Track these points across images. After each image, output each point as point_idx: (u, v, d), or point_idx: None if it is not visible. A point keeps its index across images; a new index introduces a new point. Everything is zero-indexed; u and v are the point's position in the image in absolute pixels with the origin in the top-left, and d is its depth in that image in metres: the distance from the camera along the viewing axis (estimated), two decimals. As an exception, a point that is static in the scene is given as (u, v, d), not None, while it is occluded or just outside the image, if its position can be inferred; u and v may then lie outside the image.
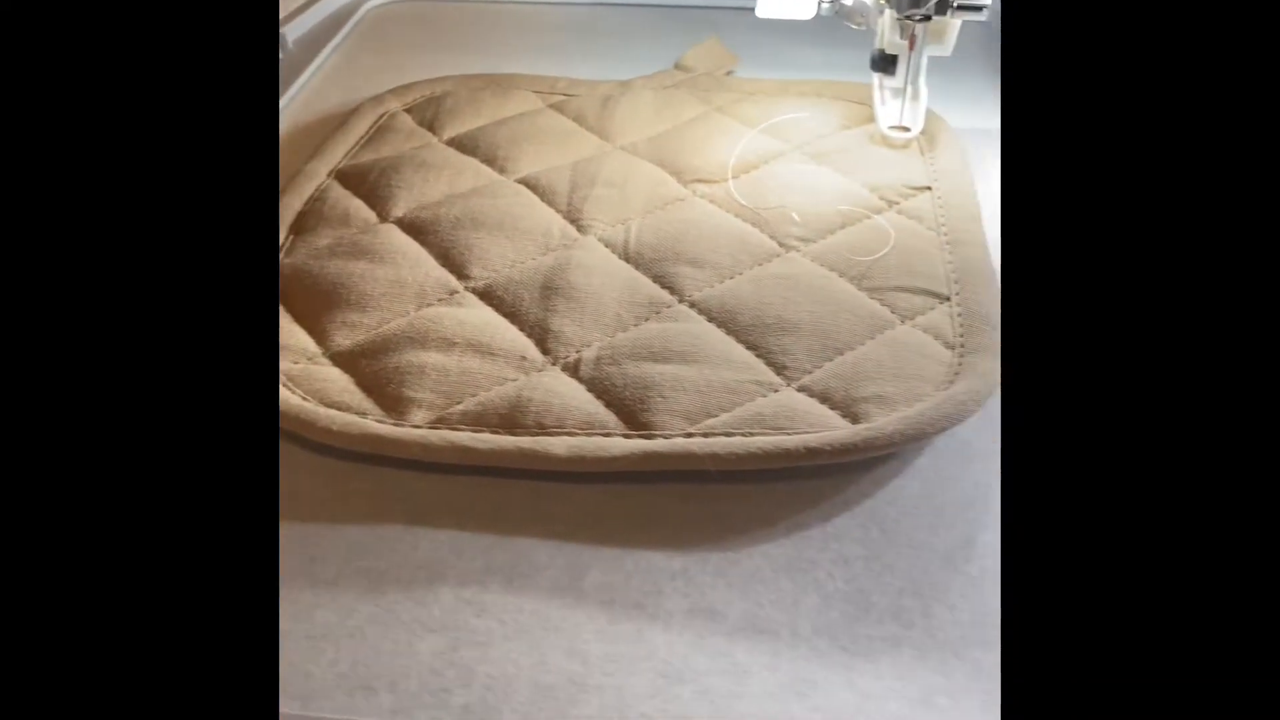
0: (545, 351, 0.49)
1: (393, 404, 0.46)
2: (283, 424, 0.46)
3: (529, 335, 0.50)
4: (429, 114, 0.69)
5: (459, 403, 0.46)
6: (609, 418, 0.45)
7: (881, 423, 0.44)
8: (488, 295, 0.53)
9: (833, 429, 0.44)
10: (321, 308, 0.52)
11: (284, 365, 0.49)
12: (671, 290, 0.53)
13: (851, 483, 0.45)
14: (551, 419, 0.45)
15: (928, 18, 0.60)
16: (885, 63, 0.64)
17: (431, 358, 0.48)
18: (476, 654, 0.38)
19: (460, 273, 0.54)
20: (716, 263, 0.54)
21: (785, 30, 0.77)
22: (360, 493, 0.44)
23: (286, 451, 0.46)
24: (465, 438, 0.44)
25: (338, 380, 0.48)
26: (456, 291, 0.53)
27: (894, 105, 0.66)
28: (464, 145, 0.66)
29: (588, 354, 0.49)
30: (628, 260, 0.55)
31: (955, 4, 0.59)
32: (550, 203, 0.59)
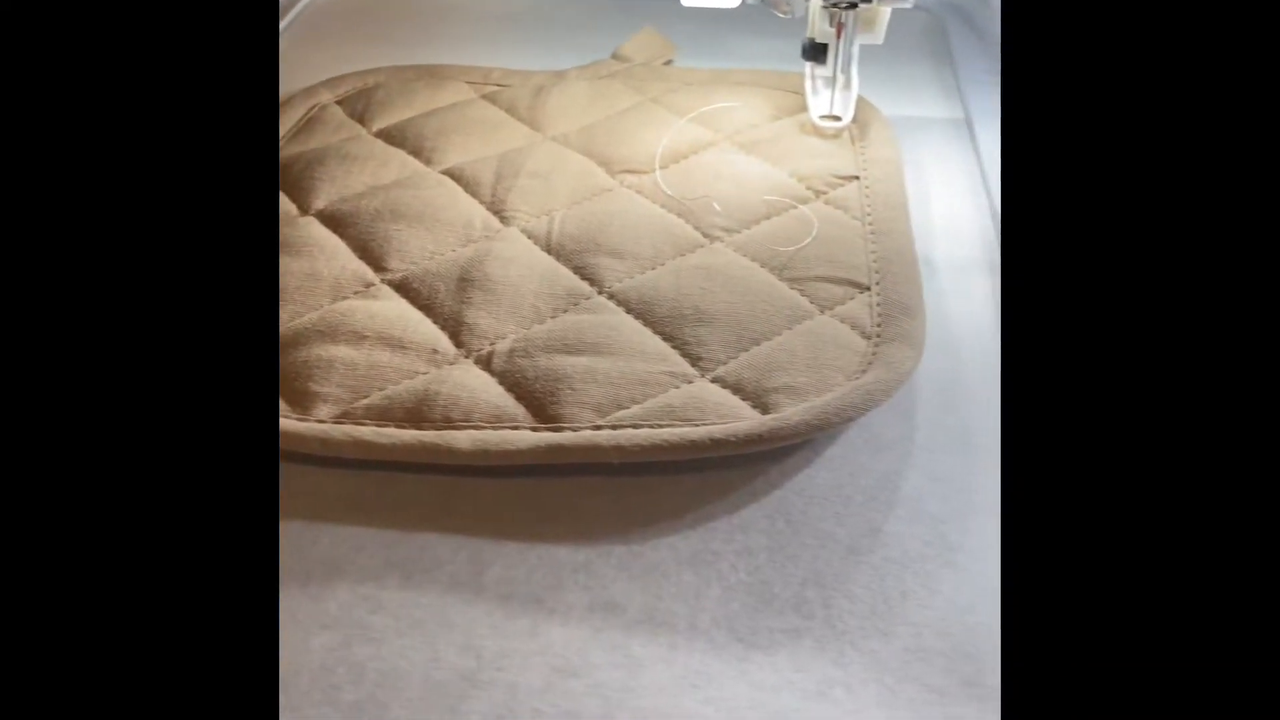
0: (458, 344, 0.49)
1: (298, 399, 0.46)
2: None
3: (442, 328, 0.49)
4: (360, 106, 0.69)
5: (365, 397, 0.46)
6: (518, 410, 0.45)
7: (788, 413, 0.44)
8: (403, 288, 0.52)
9: (742, 420, 0.44)
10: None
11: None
12: (591, 281, 0.52)
13: (761, 473, 0.44)
14: (459, 413, 0.45)
15: (854, 5, 0.60)
16: (816, 51, 0.64)
17: (341, 351, 0.48)
18: (369, 651, 0.38)
19: (378, 265, 0.53)
20: (638, 253, 0.54)
21: (726, 19, 0.76)
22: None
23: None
24: (368, 432, 0.44)
25: (246, 375, 0.47)
26: (373, 284, 0.52)
27: (826, 94, 0.65)
28: (392, 137, 0.65)
29: (501, 346, 0.48)
30: (549, 251, 0.54)
31: (880, -8, 0.59)
32: (474, 194, 0.59)
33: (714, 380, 0.47)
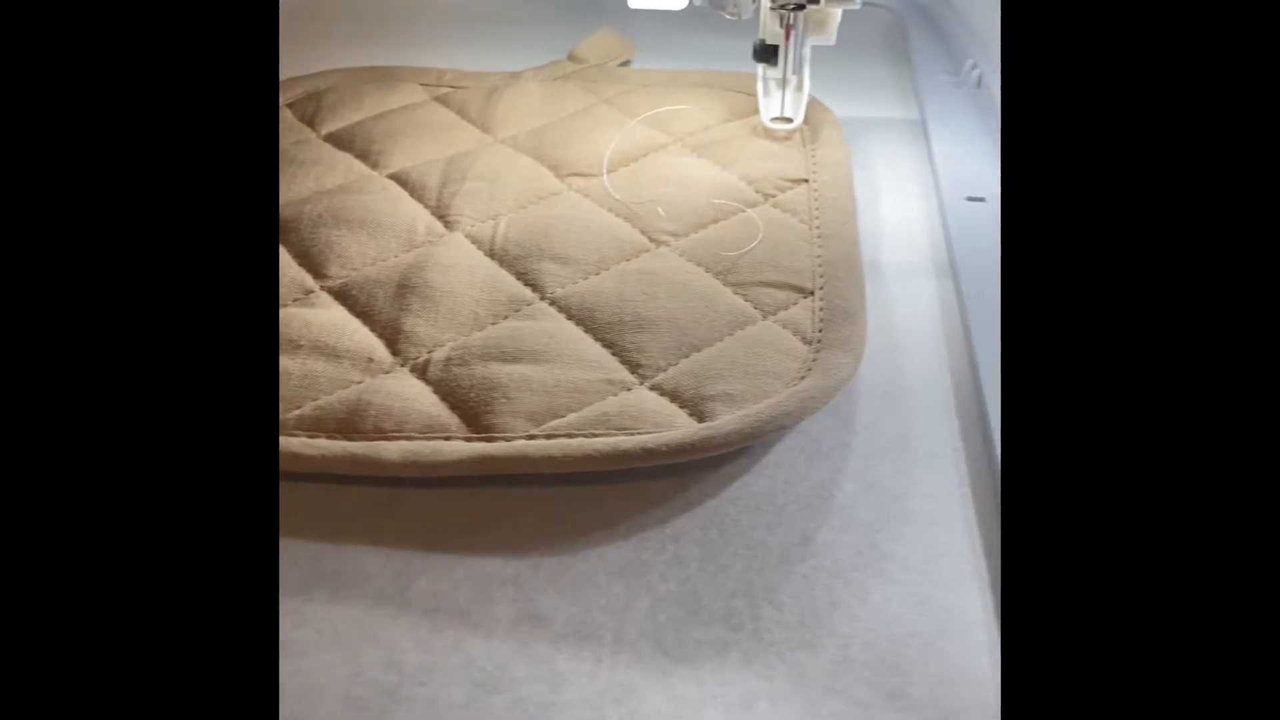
0: (395, 353, 0.48)
1: (230, 409, 0.45)
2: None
3: (380, 336, 0.49)
4: (310, 109, 0.68)
5: (298, 407, 0.45)
6: (451, 420, 0.45)
7: (720, 421, 0.43)
8: (342, 295, 0.51)
9: (677, 428, 0.44)
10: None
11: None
12: (534, 287, 0.52)
13: (696, 482, 0.44)
14: (391, 423, 0.44)
15: (801, 7, 0.59)
16: (767, 53, 0.63)
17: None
18: (291, 666, 0.37)
19: (318, 272, 0.53)
20: (582, 259, 0.53)
21: (688, 19, 0.76)
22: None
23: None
24: (297, 444, 0.43)
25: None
26: (312, 291, 0.52)
27: (778, 96, 0.65)
28: (340, 140, 0.64)
29: (438, 355, 0.48)
30: (493, 257, 0.54)
31: (828, -7, 0.58)
32: (420, 198, 0.58)
33: (652, 388, 0.46)
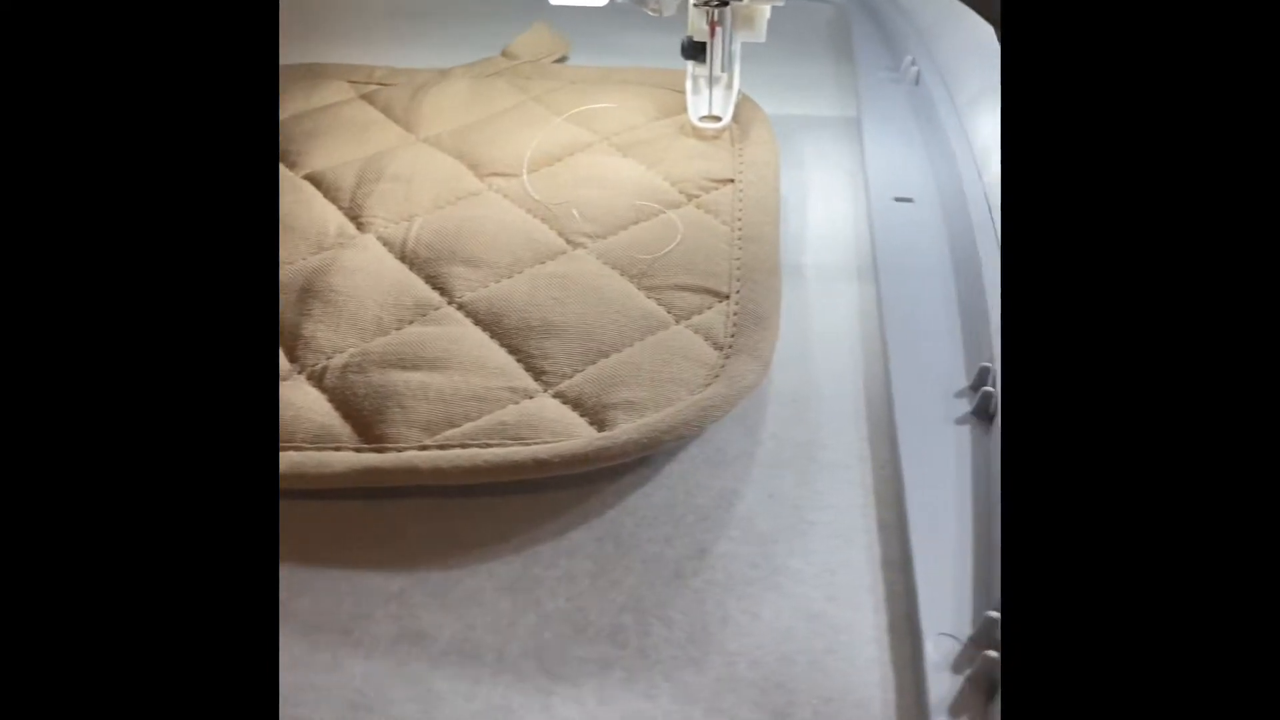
0: (293, 359, 0.47)
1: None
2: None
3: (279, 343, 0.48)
4: (232, 106, 0.66)
5: (186, 417, 0.44)
6: (343, 430, 0.43)
7: (617, 431, 0.42)
8: (244, 300, 0.50)
9: (575, 438, 0.42)
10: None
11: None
12: (442, 291, 0.51)
13: (595, 493, 0.43)
14: (281, 433, 0.43)
15: (725, 3, 0.58)
16: (694, 50, 0.62)
17: (166, 368, 0.46)
18: (158, 688, 0.36)
19: (222, 276, 0.51)
20: (494, 262, 0.52)
21: (625, 15, 0.75)
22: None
23: None
24: (180, 455, 0.42)
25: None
26: (214, 296, 0.50)
27: (707, 95, 0.64)
28: (259, 139, 0.63)
29: (336, 361, 0.46)
30: (403, 259, 0.53)
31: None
32: (334, 199, 0.57)
33: (555, 395, 0.45)
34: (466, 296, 0.50)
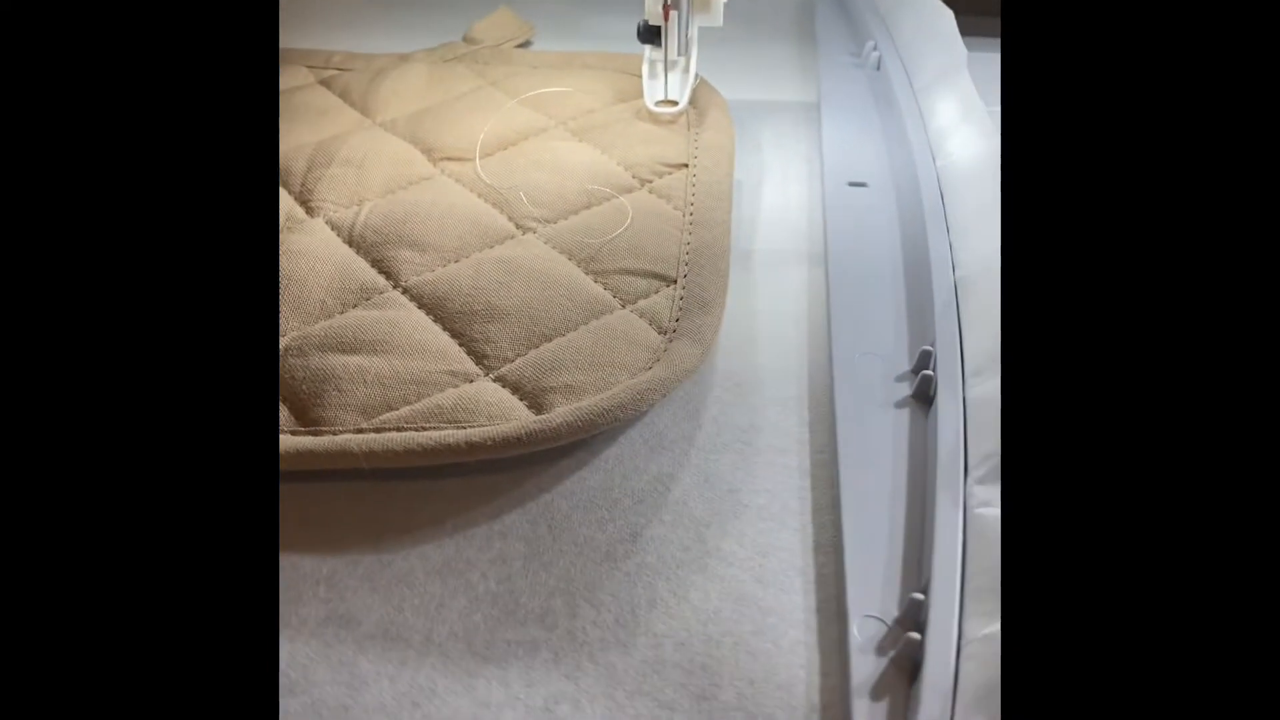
0: (233, 343, 0.47)
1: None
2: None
3: (220, 326, 0.47)
4: (188, 90, 0.66)
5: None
6: (280, 414, 0.43)
7: (551, 415, 0.42)
8: (187, 284, 0.50)
9: (510, 421, 0.42)
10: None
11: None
12: (388, 275, 0.50)
13: (531, 476, 0.43)
14: (216, 416, 0.43)
15: (676, -13, 0.58)
16: (650, 34, 0.62)
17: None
18: (82, 671, 0.36)
19: (166, 260, 0.51)
20: (442, 245, 0.52)
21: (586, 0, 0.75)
22: None
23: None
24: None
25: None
26: (158, 280, 0.50)
27: (663, 79, 0.63)
28: (213, 123, 0.62)
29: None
30: (351, 244, 0.52)
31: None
32: (285, 184, 0.57)
33: (496, 379, 0.45)
34: (412, 280, 0.50)
